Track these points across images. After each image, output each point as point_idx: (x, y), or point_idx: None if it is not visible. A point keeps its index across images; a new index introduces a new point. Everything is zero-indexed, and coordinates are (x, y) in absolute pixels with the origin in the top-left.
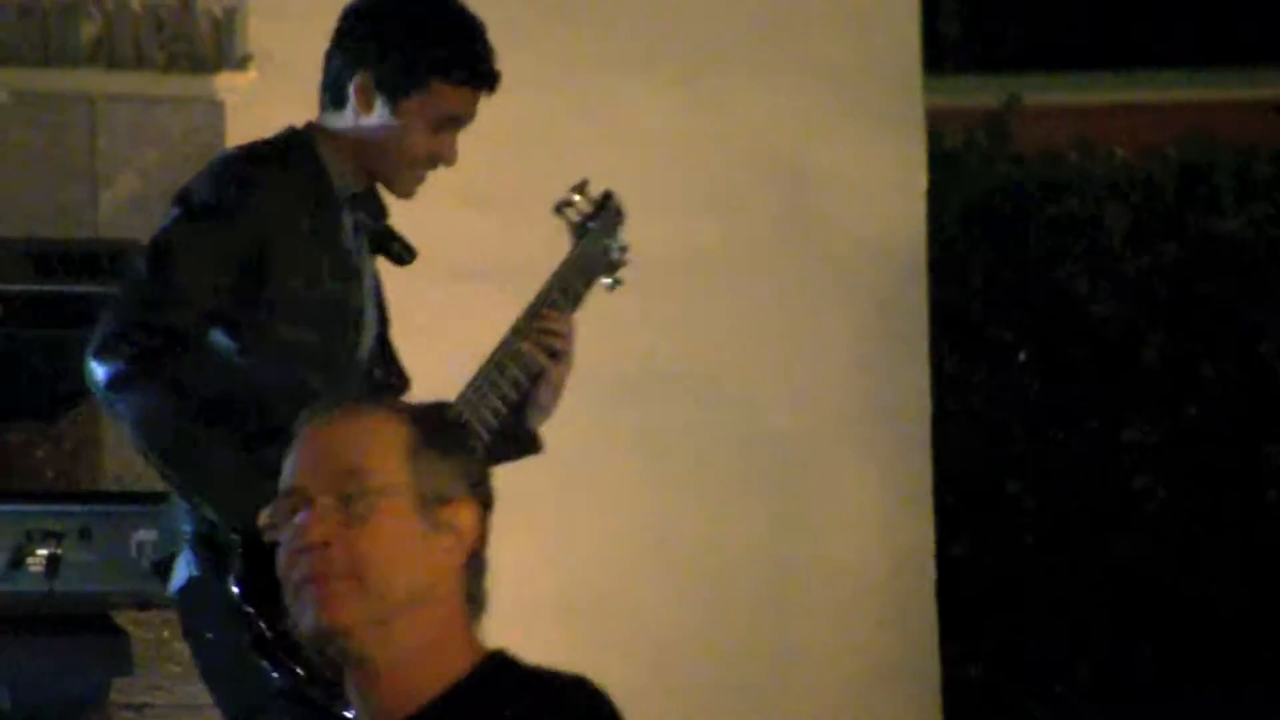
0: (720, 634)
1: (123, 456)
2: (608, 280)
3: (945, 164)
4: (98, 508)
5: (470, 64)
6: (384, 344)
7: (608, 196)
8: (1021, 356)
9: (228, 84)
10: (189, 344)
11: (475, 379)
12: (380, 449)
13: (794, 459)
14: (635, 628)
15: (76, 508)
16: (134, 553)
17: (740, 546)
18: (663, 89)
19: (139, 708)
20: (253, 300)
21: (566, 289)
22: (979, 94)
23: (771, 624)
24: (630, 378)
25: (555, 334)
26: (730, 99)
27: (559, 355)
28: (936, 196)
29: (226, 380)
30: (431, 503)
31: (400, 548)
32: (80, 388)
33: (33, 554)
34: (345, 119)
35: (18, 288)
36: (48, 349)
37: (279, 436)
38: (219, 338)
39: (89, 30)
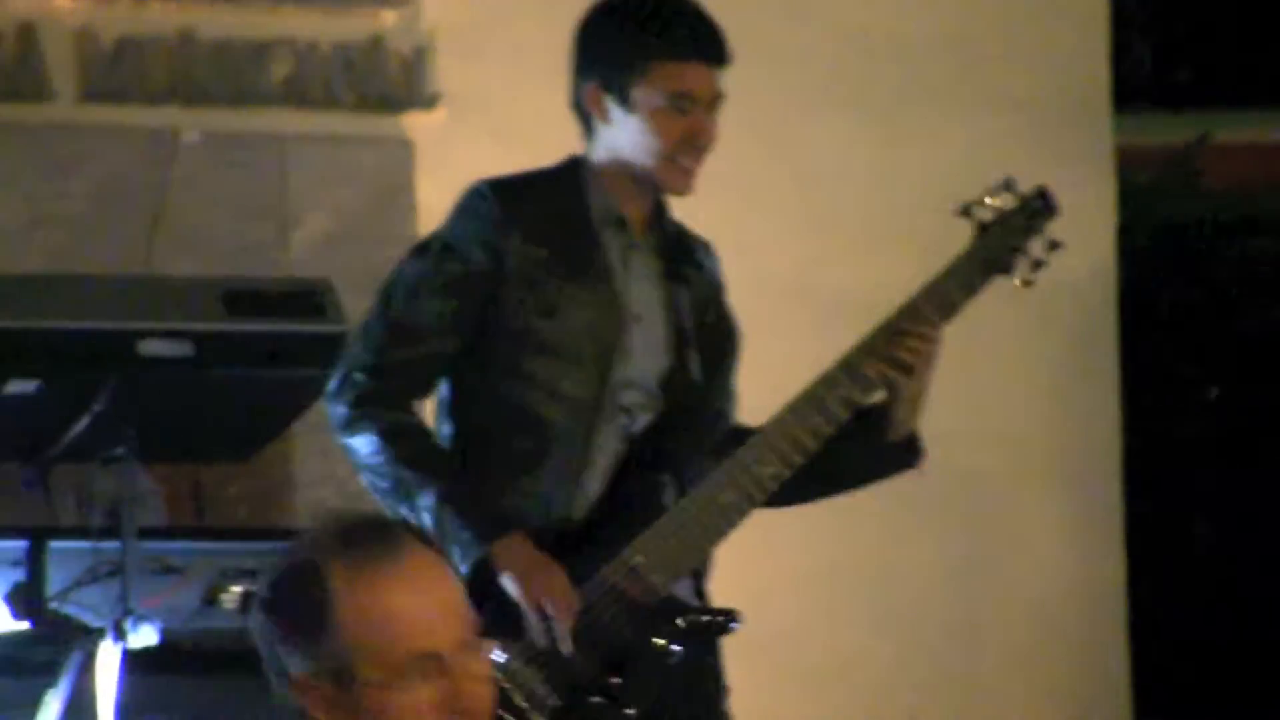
0: (907, 669)
1: (314, 493)
2: (1017, 279)
3: (1135, 200)
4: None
5: (682, 37)
6: (683, 371)
7: (1041, 194)
8: (1212, 394)
9: (417, 123)
10: (417, 383)
11: (797, 399)
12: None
13: (984, 495)
14: (822, 662)
15: (270, 545)
16: None
17: (928, 582)
18: (853, 127)
19: None
20: (489, 333)
21: (939, 299)
22: (1169, 131)
23: (959, 660)
24: None
25: (911, 349)
26: (921, 137)
27: (911, 369)
28: (1126, 233)
29: (462, 415)
30: None
31: None
32: (272, 427)
33: (227, 591)
34: (598, 142)
35: (210, 327)
36: (240, 388)
37: (515, 470)
38: (449, 376)
39: (279, 71)
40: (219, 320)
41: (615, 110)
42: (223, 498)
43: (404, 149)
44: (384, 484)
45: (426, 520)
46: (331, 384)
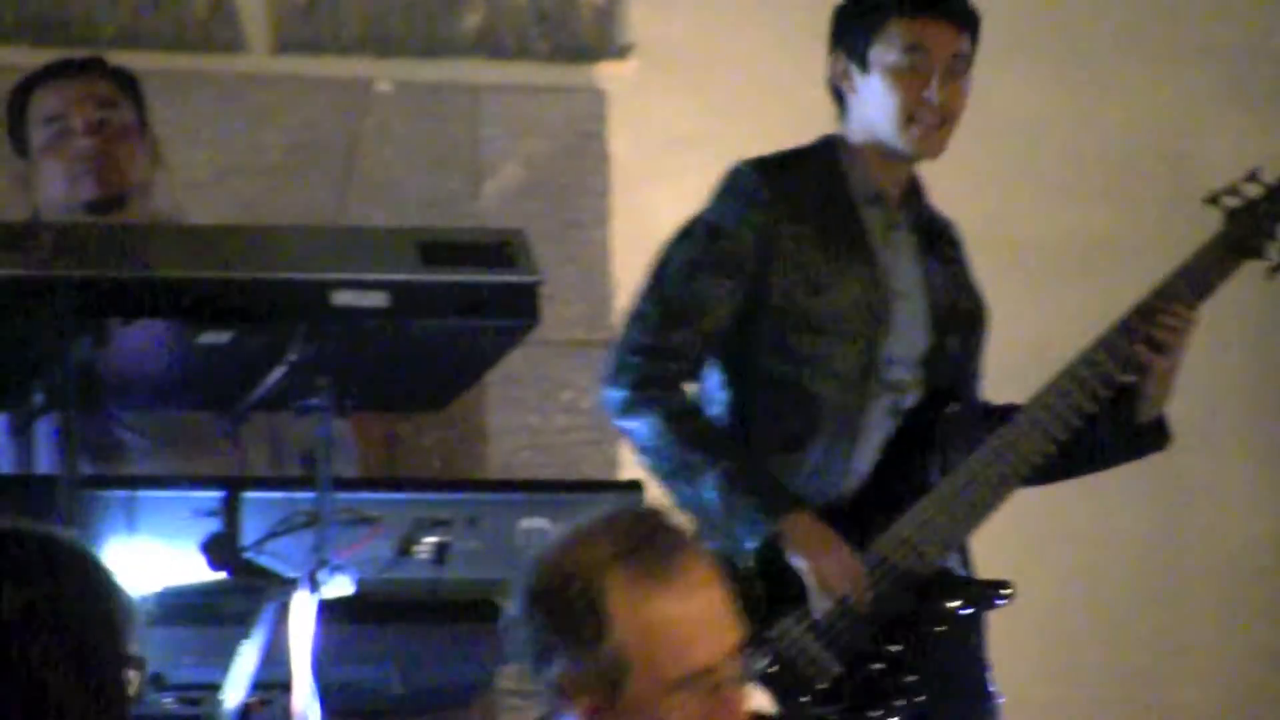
0: (1107, 624)
1: (507, 444)
2: (1269, 262)
3: None
4: (485, 496)
5: None
6: (942, 349)
7: None
8: None
9: (609, 73)
10: (691, 364)
11: (1059, 377)
12: None
13: (1183, 446)
14: (1022, 618)
15: (464, 496)
16: (520, 540)
17: (1127, 535)
18: (1041, 77)
19: (527, 694)
20: (756, 313)
21: (1195, 280)
22: None
23: (1159, 613)
24: (1019, 368)
25: (1168, 328)
26: (1109, 86)
27: (1165, 348)
28: None
29: (732, 395)
30: None
31: None
32: (465, 377)
33: (421, 541)
34: (850, 117)
35: (404, 277)
36: (433, 339)
37: (786, 447)
38: (718, 356)
39: (472, 21)
40: (413, 271)
41: (857, 76)
42: (416, 448)
43: (596, 99)
44: (666, 466)
45: (712, 500)
46: (606, 367)
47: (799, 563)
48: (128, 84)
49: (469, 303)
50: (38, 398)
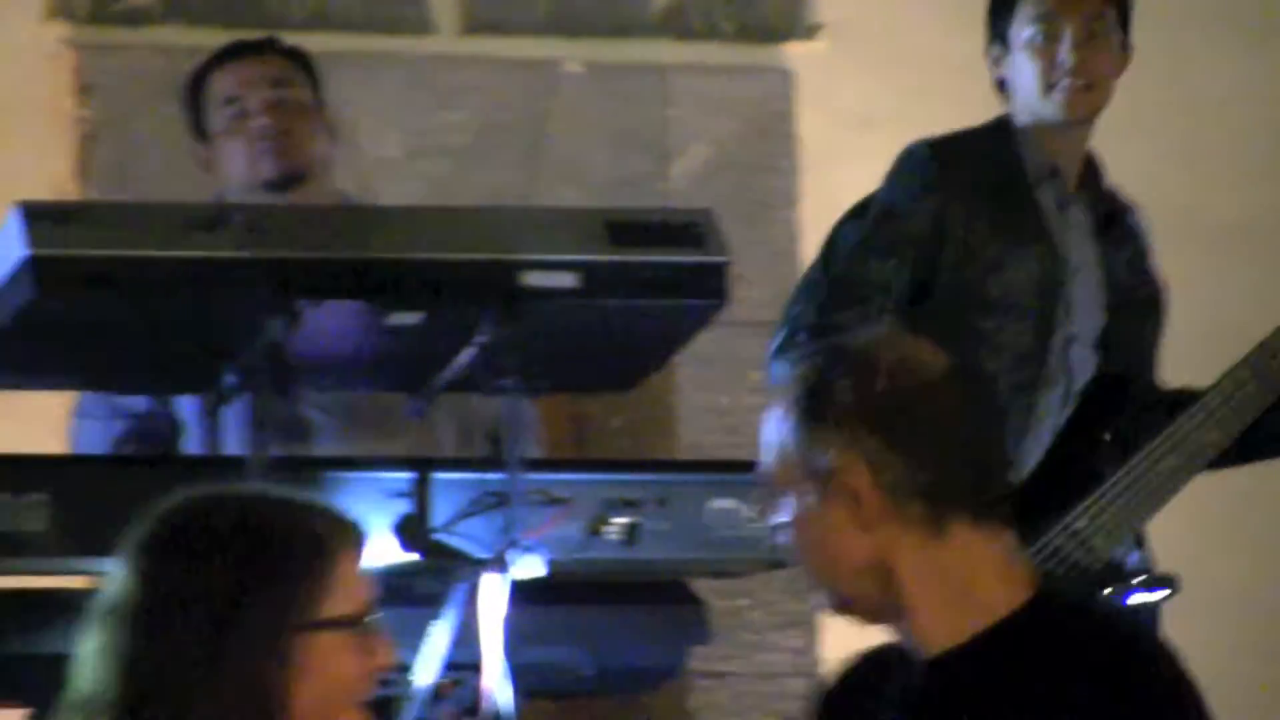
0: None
1: (696, 425)
2: None
3: None
4: (674, 476)
5: None
6: (1117, 331)
7: None
8: None
9: (798, 53)
10: None
11: (1238, 366)
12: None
13: None
14: (1220, 593)
15: (654, 476)
16: (709, 521)
17: None
18: (1235, 51)
19: (718, 675)
20: (928, 294)
21: None
22: None
23: None
24: (1208, 350)
25: None
26: None
27: None
28: None
29: None
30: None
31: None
32: (654, 358)
33: (610, 522)
34: (1012, 100)
35: (594, 258)
36: (622, 319)
37: None
38: None
39: (660, 1)
40: (602, 251)
41: (1004, 59)
42: (605, 429)
43: (784, 79)
44: None
45: None
46: (774, 342)
47: None
48: (302, 62)
49: (658, 283)
50: (228, 380)
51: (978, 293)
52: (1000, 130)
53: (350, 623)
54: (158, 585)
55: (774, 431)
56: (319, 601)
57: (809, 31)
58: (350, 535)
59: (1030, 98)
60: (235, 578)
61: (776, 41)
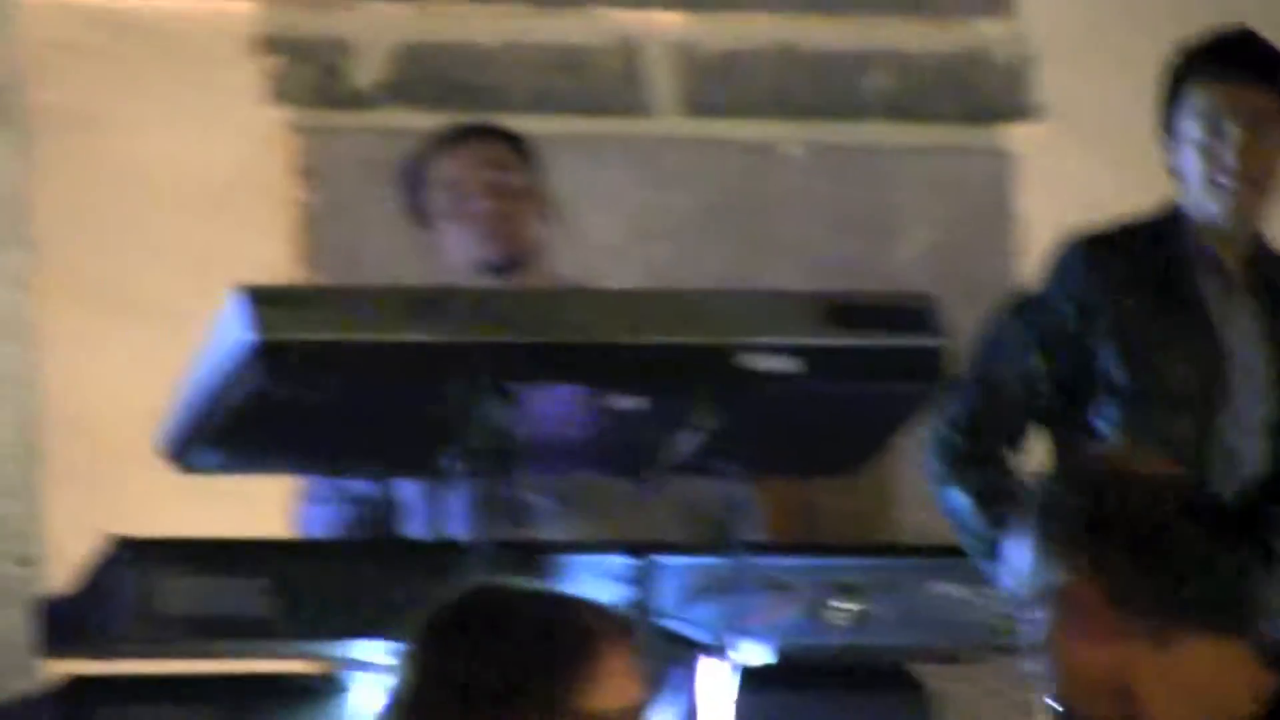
0: None
1: (919, 509)
2: None
3: None
4: (897, 560)
5: (1213, 58)
6: None
7: None
8: None
9: (1018, 135)
10: (1007, 439)
11: None
12: None
13: None
14: None
15: (877, 560)
16: (932, 605)
17: None
18: None
19: None
20: (1082, 387)
21: None
22: None
23: None
24: None
25: None
26: None
27: None
28: None
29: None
30: None
31: None
32: (874, 442)
33: (833, 607)
34: (1182, 187)
35: (815, 341)
36: (845, 403)
37: None
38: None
39: (880, 82)
40: (823, 334)
41: (1172, 149)
42: (828, 514)
43: (1005, 161)
44: (972, 543)
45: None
46: (927, 436)
47: None
48: (522, 146)
49: (879, 366)
50: (448, 462)
51: (1134, 387)
52: (1169, 220)
53: (623, 717)
54: (439, 674)
55: (1010, 551)
56: (588, 694)
57: (1030, 113)
58: (619, 631)
59: (1194, 195)
60: (514, 664)
61: (998, 123)
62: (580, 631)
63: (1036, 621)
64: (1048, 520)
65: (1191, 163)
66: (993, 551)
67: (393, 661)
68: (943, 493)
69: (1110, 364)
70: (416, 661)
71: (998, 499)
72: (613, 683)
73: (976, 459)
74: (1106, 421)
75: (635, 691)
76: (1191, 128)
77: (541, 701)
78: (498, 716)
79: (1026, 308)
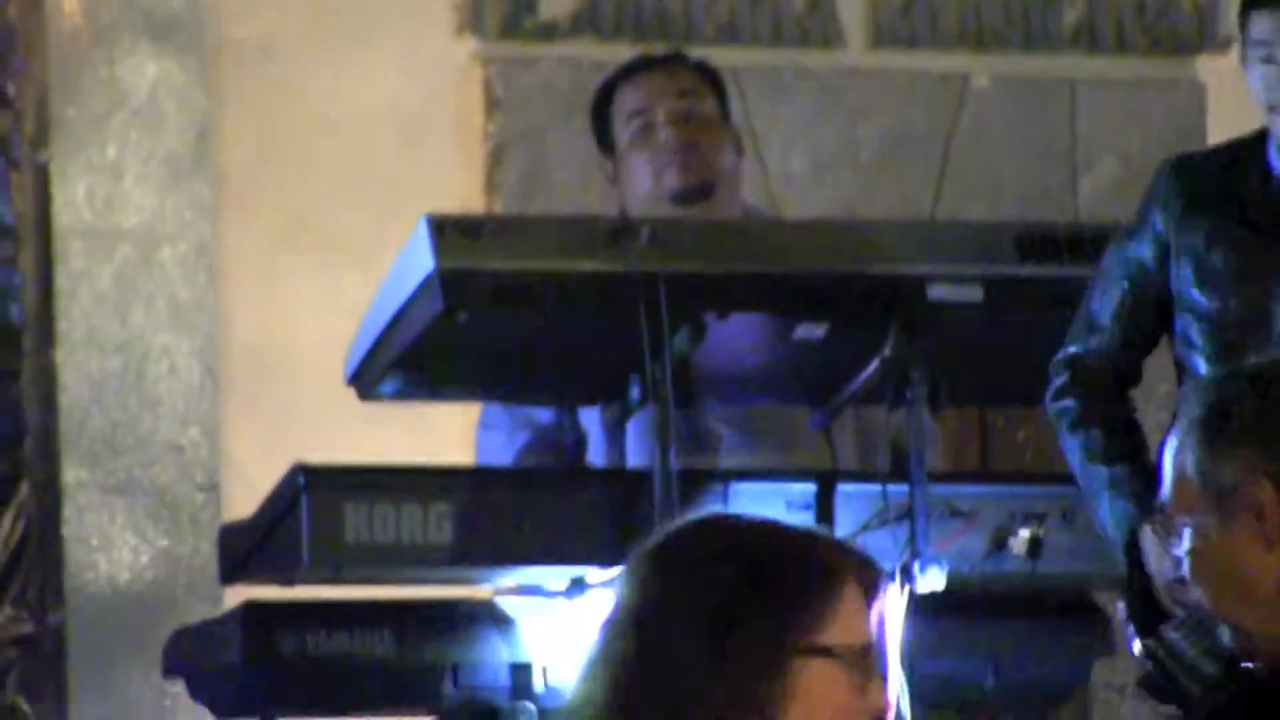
0: None
1: None
2: None
3: None
4: (1077, 488)
5: None
6: None
7: None
8: None
9: (1209, 66)
10: (1113, 370)
11: None
12: None
13: None
14: None
15: (1058, 489)
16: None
17: None
18: None
19: (1121, 689)
20: (1170, 311)
21: None
22: None
23: None
24: None
25: None
26: None
27: None
28: None
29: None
30: None
31: None
32: None
33: (1015, 535)
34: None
35: (1000, 270)
36: (1028, 332)
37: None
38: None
39: (1071, 15)
40: (1009, 264)
41: (1244, 65)
42: (1008, 442)
43: (1196, 92)
44: (1073, 472)
45: (1098, 514)
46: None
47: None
48: (710, 76)
49: (1064, 297)
50: (633, 392)
51: (1201, 308)
52: (1253, 141)
53: (849, 654)
54: (662, 593)
55: (1172, 455)
56: (820, 627)
57: (1221, 44)
58: (859, 568)
59: (1260, 107)
60: (740, 589)
61: (1188, 54)
62: (816, 560)
63: (1201, 524)
64: (1216, 422)
65: (1249, 76)
66: (1086, 483)
67: (613, 581)
68: (1055, 419)
69: (1185, 285)
70: (638, 584)
71: (1093, 430)
72: (845, 619)
73: (1078, 392)
74: (1187, 344)
75: (867, 632)
76: (1252, 52)
77: (768, 625)
78: (721, 637)
79: (1118, 236)
